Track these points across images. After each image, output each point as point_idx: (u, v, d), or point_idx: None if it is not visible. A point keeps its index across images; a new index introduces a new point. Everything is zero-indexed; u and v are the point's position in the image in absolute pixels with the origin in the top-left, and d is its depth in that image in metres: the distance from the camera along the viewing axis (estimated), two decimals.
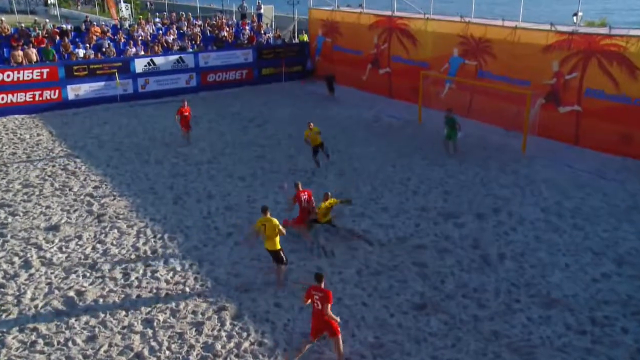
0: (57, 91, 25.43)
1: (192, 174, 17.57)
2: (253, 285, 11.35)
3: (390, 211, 14.69)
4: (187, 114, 20.17)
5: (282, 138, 21.07)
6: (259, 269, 11.94)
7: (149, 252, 12.72)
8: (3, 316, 10.49)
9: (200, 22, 32.37)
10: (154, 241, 13.24)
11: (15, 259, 12.48)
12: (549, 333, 9.84)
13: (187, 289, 11.27)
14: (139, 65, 27.08)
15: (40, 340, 9.81)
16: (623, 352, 9.39)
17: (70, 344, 9.72)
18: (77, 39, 27.67)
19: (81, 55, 26.35)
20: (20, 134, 21.92)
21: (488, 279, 11.48)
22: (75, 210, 14.94)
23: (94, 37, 27.88)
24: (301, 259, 12.24)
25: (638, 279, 11.47)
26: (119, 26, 30.33)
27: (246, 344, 9.65)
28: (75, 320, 10.32)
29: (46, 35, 27.31)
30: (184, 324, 10.19)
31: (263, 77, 30.51)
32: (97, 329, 10.07)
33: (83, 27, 29.05)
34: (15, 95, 24.68)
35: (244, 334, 9.90)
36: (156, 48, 28.11)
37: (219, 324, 10.17)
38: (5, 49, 25.36)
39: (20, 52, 24.99)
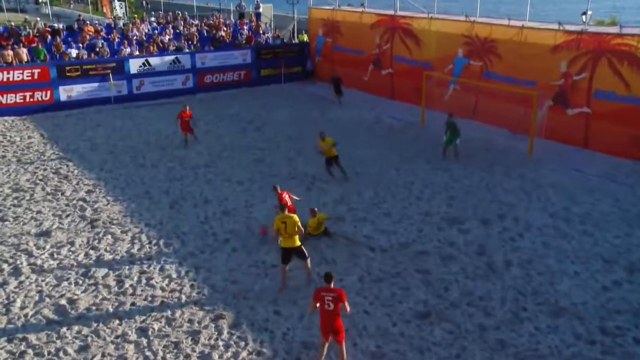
0: (48, 92, 25.49)
1: (189, 177, 17.59)
2: (251, 292, 11.35)
3: (393, 216, 14.69)
4: (187, 118, 20.29)
5: (282, 141, 21.10)
6: (256, 275, 11.95)
7: (143, 259, 12.72)
8: None
9: (197, 22, 32.48)
10: (149, 247, 13.24)
11: (5, 265, 12.47)
12: (557, 343, 9.82)
13: (183, 297, 11.27)
14: (134, 65, 27.13)
15: (30, 351, 9.79)
16: None
17: (61, 354, 9.70)
18: (69, 39, 27.76)
19: (74, 55, 26.41)
20: (10, 137, 21.96)
21: (494, 287, 11.47)
22: (67, 216, 14.95)
23: (87, 37, 27.96)
24: (300, 267, 12.21)
25: None
26: (113, 25, 30.42)
27: (244, 354, 9.64)
28: (67, 330, 10.30)
29: (37, 34, 27.40)
30: (179, 333, 10.18)
31: (262, 78, 30.57)
32: (89, 339, 10.06)
33: (76, 26, 29.15)
34: (5, 96, 24.74)
35: (242, 343, 9.89)
36: (151, 48, 28.17)
37: (216, 333, 10.16)
38: None
39: (10, 52, 25.05)
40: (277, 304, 10.94)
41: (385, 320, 10.44)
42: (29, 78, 24.98)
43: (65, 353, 9.71)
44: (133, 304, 11.06)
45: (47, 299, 11.22)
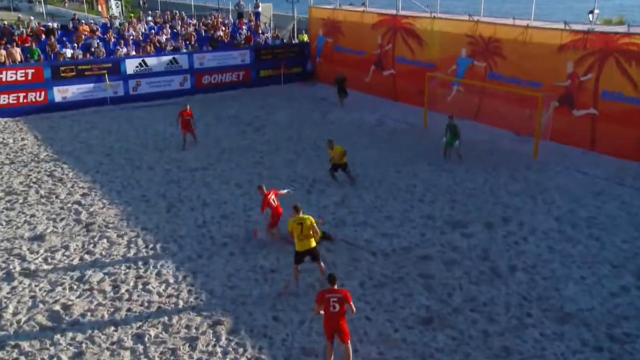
0: (42, 93, 25.52)
1: (186, 180, 17.61)
2: (249, 298, 11.36)
3: (394, 220, 14.70)
4: (188, 117, 20.41)
5: (281, 143, 21.13)
6: (255, 280, 11.96)
7: (140, 263, 12.73)
8: None
9: (194, 21, 32.55)
10: (146, 252, 13.25)
11: None
12: (563, 349, 9.82)
13: (181, 302, 11.27)
14: (130, 66, 27.19)
15: (23, 358, 9.78)
16: None
17: None
18: (64, 38, 27.82)
19: (69, 55, 26.46)
20: (3, 138, 21.99)
21: (498, 292, 11.47)
22: (62, 219, 14.96)
23: (82, 36, 28.02)
24: (301, 271, 12.22)
25: None
26: (109, 25, 30.48)
27: None
28: (61, 336, 10.29)
29: (31, 33, 27.45)
30: (176, 339, 10.18)
31: (261, 79, 30.62)
32: (84, 345, 10.05)
33: (70, 25, 29.22)
34: None
35: (240, 350, 9.89)
36: (148, 48, 28.22)
37: (214, 339, 10.17)
38: None
39: (3, 52, 25.09)
40: (276, 310, 10.95)
41: (387, 326, 10.44)
42: (23, 78, 25.01)
43: None
44: (129, 309, 11.06)
45: (41, 305, 11.21)
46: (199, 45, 30.02)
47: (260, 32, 32.47)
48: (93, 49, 27.17)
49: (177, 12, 33.33)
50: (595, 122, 19.57)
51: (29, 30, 27.76)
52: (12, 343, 10.14)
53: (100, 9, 41.20)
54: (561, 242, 13.45)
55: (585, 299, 11.21)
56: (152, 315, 10.86)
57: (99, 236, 14.00)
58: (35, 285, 11.88)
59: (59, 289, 11.76)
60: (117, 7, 40.36)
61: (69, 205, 15.86)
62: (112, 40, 28.39)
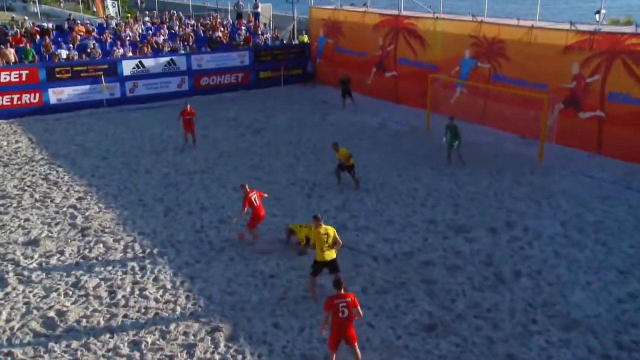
0: (37, 95, 25.56)
1: (184, 184, 17.63)
2: (249, 303, 11.37)
3: (396, 224, 14.72)
4: (189, 117, 20.53)
5: (281, 146, 21.17)
6: (254, 286, 11.97)
7: (137, 269, 12.75)
8: None
9: (193, 22, 32.63)
10: (143, 257, 13.27)
11: None
12: (569, 357, 9.83)
13: (178, 308, 11.28)
14: (127, 67, 27.24)
15: None
16: None
17: None
18: (59, 39, 27.88)
19: (64, 56, 26.52)
20: None
21: (502, 298, 11.48)
22: (57, 224, 14.98)
23: (78, 37, 28.09)
24: (301, 277, 12.26)
25: None
26: (105, 25, 30.55)
27: None
28: (56, 343, 10.30)
29: (25, 34, 27.51)
30: (174, 346, 10.19)
31: (260, 81, 30.68)
32: (79, 352, 10.05)
33: (66, 25, 29.31)
34: None
35: (239, 357, 9.89)
36: (145, 49, 28.28)
37: (212, 346, 10.17)
38: None
39: None
40: (276, 316, 10.96)
41: (389, 333, 10.45)
42: (17, 80, 25.04)
43: None
44: (125, 316, 11.07)
45: (35, 311, 11.22)
46: (197, 46, 30.09)
47: (259, 32, 32.55)
48: (89, 50, 27.23)
49: (175, 12, 33.44)
50: (601, 125, 19.59)
51: (23, 30, 27.83)
52: (5, 351, 10.13)
53: (95, 8, 41.35)
54: (567, 247, 13.46)
55: (591, 305, 11.22)
56: (149, 322, 10.87)
57: (95, 241, 14.01)
58: (30, 291, 11.88)
59: (54, 294, 11.76)
60: (114, 7, 40.47)
61: (64, 209, 15.88)
62: (109, 41, 28.46)
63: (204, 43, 30.47)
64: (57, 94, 25.88)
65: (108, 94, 26.82)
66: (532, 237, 13.93)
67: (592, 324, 10.66)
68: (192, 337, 10.42)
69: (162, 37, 29.71)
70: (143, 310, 11.21)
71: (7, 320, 10.95)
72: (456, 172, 18.17)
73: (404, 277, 12.25)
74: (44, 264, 12.97)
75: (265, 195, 14.41)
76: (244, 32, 32.12)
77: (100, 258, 13.20)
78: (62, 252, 13.45)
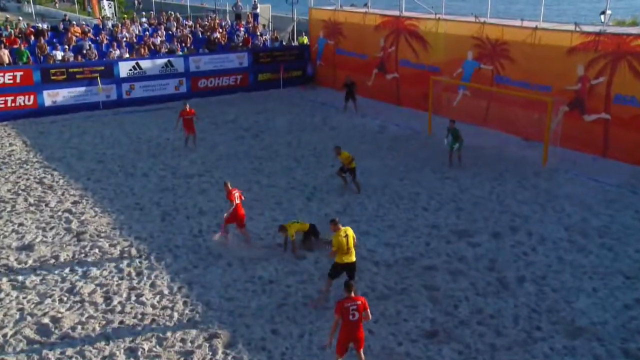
0: (31, 97, 25.59)
1: (182, 188, 17.64)
2: (247, 310, 11.36)
3: (397, 229, 14.73)
4: (189, 116, 20.69)
5: (280, 149, 21.18)
6: (253, 292, 11.97)
7: (133, 274, 12.74)
8: None
9: (190, 23, 32.69)
10: (139, 262, 13.26)
11: None
12: None
13: (176, 315, 11.28)
14: (124, 69, 27.28)
15: None
16: None
17: None
18: (54, 40, 27.95)
19: (59, 57, 26.56)
20: None
21: (506, 304, 11.48)
22: (51, 228, 14.98)
23: (74, 38, 28.14)
24: (300, 282, 12.27)
25: None
26: (101, 26, 30.60)
27: None
28: (50, 351, 10.28)
29: (19, 34, 27.55)
30: (171, 354, 10.18)
31: (259, 83, 30.72)
32: None
33: (61, 26, 29.35)
34: None
35: None
36: (142, 50, 28.32)
37: (210, 353, 10.16)
38: None
39: None
40: (275, 322, 10.96)
41: (390, 340, 10.45)
42: (11, 81, 25.07)
43: None
44: (122, 322, 11.06)
45: (29, 318, 11.20)
46: (195, 47, 30.13)
47: (258, 34, 32.60)
48: (85, 51, 27.28)
49: (173, 13, 33.52)
50: (607, 127, 19.61)
51: (17, 31, 27.87)
52: None
53: (92, 9, 41.42)
54: (572, 252, 13.46)
55: (597, 312, 11.21)
56: (146, 328, 10.86)
57: (91, 246, 14.01)
58: (23, 297, 11.87)
59: (48, 300, 11.76)
60: (110, 7, 40.56)
61: (59, 213, 15.88)
62: (105, 42, 28.51)
63: (201, 44, 30.51)
64: (52, 96, 25.90)
65: (104, 96, 26.83)
66: (536, 242, 13.94)
67: (598, 331, 10.65)
68: (189, 344, 10.41)
69: (159, 38, 29.76)
70: (139, 317, 11.20)
71: (0, 327, 10.93)
72: (459, 176, 18.18)
73: (405, 283, 12.25)
74: (38, 269, 12.96)
75: (243, 198, 14.39)
76: (242, 33, 32.16)
77: (95, 263, 13.19)
78: (57, 257, 13.45)
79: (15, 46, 26.29)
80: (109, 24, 31.44)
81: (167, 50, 29.12)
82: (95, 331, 10.79)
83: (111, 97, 27.09)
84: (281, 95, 29.85)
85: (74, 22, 30.44)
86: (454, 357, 10.01)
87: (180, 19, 32.67)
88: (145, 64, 27.71)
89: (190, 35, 30.64)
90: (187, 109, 20.77)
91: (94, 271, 12.85)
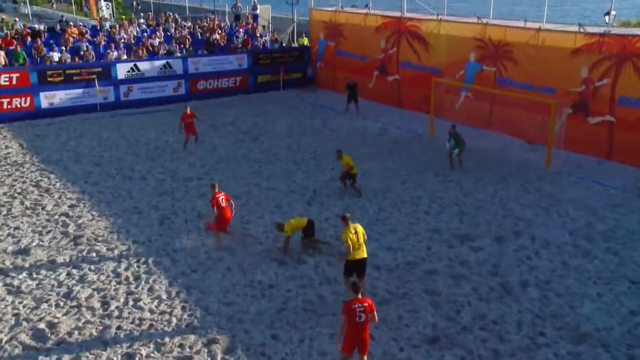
0: (28, 99, 25.60)
1: (180, 191, 17.65)
2: (247, 314, 11.36)
3: (398, 233, 14.73)
4: (190, 119, 20.86)
5: (280, 152, 21.19)
6: (252, 296, 11.96)
7: (131, 278, 12.74)
8: None
9: (189, 24, 32.73)
10: (137, 266, 13.26)
11: None
12: None
13: (174, 320, 11.27)
14: (121, 71, 27.30)
15: None
16: None
17: None
18: (51, 41, 27.97)
19: (56, 59, 26.58)
20: None
21: (509, 310, 11.47)
22: (48, 232, 14.98)
23: (71, 39, 28.16)
24: (300, 287, 12.27)
25: None
26: (98, 27, 30.64)
27: None
28: (46, 357, 10.27)
29: (15, 36, 27.58)
30: (169, 359, 10.17)
31: (259, 85, 30.75)
32: None
33: (58, 27, 29.39)
34: None
35: None
36: (140, 52, 28.36)
37: (209, 359, 10.16)
38: None
39: None
40: (275, 328, 10.95)
41: (391, 345, 10.44)
42: (7, 83, 25.08)
43: None
44: (119, 327, 11.05)
45: (25, 323, 11.19)
46: (193, 49, 30.17)
47: (258, 35, 32.62)
48: (82, 53, 27.30)
49: (171, 14, 33.54)
50: (612, 130, 19.61)
51: (13, 32, 27.89)
52: None
53: (89, 10, 41.49)
54: (576, 257, 13.45)
55: (602, 317, 11.20)
56: (144, 334, 10.85)
57: (88, 250, 14.01)
58: (19, 302, 11.86)
59: (45, 305, 11.75)
60: (108, 8, 40.61)
61: (56, 217, 15.88)
62: (102, 43, 28.54)
63: (200, 46, 30.54)
64: (48, 98, 25.92)
65: (102, 98, 26.85)
66: (540, 247, 13.93)
67: (603, 336, 10.64)
68: (188, 350, 10.40)
69: (157, 40, 29.79)
70: (137, 322, 11.19)
71: None
72: (461, 179, 18.18)
73: (407, 287, 12.24)
74: (34, 273, 12.96)
75: (231, 201, 14.40)
76: (242, 34, 32.20)
77: (93, 268, 13.19)
78: (53, 262, 13.44)
79: (11, 47, 26.33)
80: (107, 25, 31.47)
81: (165, 51, 29.14)
82: (93, 336, 10.78)
83: (109, 99, 27.11)
84: (281, 98, 29.88)
85: (71, 23, 30.48)
86: None
87: (179, 20, 32.71)
88: (143, 65, 27.74)
89: (189, 37, 30.68)
90: (188, 112, 20.85)
91: (91, 275, 12.84)
